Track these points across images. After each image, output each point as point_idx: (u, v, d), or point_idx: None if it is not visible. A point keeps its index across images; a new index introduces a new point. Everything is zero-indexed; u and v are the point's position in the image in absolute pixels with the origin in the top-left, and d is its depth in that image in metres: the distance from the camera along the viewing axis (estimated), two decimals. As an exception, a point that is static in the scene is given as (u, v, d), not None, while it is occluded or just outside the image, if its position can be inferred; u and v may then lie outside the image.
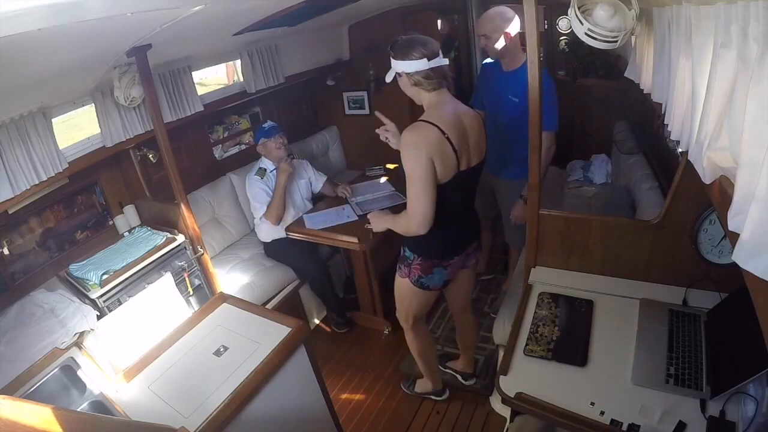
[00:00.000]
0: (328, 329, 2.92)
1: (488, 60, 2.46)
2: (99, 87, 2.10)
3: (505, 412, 2.08)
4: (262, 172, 2.76)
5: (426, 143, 1.50)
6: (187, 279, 2.32)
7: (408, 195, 1.56)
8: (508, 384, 1.34)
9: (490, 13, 2.20)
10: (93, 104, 2.14)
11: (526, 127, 2.26)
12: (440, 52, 1.57)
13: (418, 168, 1.50)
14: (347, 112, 3.87)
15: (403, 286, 1.89)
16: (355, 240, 2.46)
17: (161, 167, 2.42)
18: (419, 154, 1.49)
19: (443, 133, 1.52)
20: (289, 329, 1.64)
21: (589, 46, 1.49)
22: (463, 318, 2.18)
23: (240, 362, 1.54)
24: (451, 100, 1.62)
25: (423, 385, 2.33)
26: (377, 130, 1.79)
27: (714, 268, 1.48)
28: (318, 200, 3.04)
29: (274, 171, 2.78)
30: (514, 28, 2.16)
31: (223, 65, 3.53)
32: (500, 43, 2.19)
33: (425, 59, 1.53)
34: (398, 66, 1.57)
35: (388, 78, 1.67)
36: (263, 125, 2.81)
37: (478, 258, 1.97)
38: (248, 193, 2.80)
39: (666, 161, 2.30)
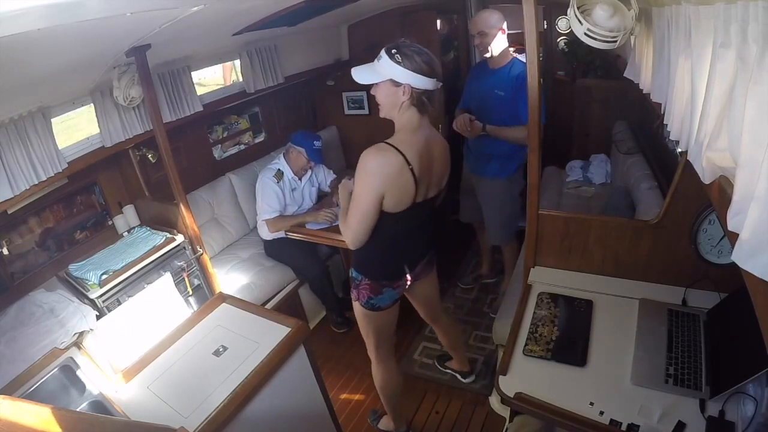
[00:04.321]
0: (327, 329, 2.92)
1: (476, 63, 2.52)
2: (98, 87, 2.10)
3: (504, 412, 2.08)
4: (279, 174, 2.75)
5: (383, 173, 1.42)
6: (186, 279, 2.32)
7: (349, 212, 1.54)
8: (508, 384, 1.34)
9: (486, 12, 2.28)
10: (92, 104, 2.14)
11: (509, 121, 2.31)
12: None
13: (366, 198, 1.45)
14: (347, 112, 3.87)
15: (357, 311, 1.77)
16: (354, 240, 2.46)
17: (160, 167, 2.42)
18: (372, 184, 1.43)
19: (408, 163, 1.43)
20: (289, 329, 1.64)
21: (589, 46, 1.49)
22: (438, 325, 2.14)
23: (239, 362, 1.54)
24: (428, 125, 1.54)
25: (386, 423, 2.20)
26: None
27: (713, 268, 1.48)
28: (318, 200, 3.04)
29: (293, 178, 2.80)
30: (505, 26, 2.26)
31: (220, 66, 3.54)
32: (497, 39, 2.23)
33: (435, 80, 1.43)
34: (401, 75, 1.40)
35: (366, 80, 1.48)
36: (314, 141, 2.75)
37: (432, 266, 1.89)
38: (258, 191, 2.78)
39: (665, 161, 2.31)
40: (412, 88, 1.41)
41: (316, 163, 2.85)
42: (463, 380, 2.36)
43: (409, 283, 1.74)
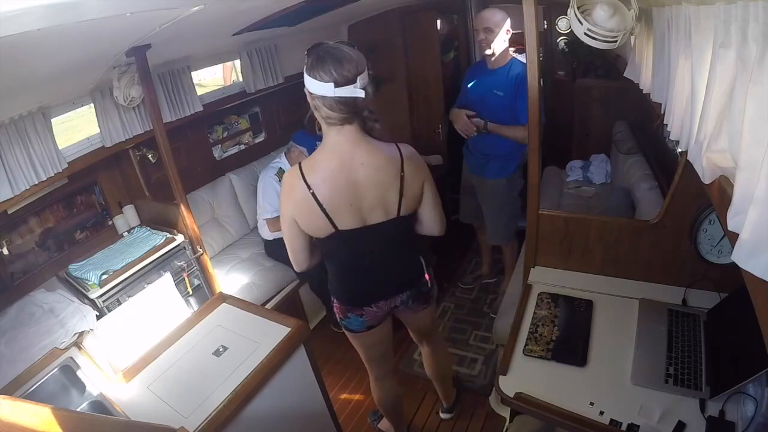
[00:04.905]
0: (327, 329, 2.92)
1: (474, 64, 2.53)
2: (98, 87, 2.10)
3: (504, 412, 2.08)
4: (281, 173, 2.75)
5: (287, 196, 1.35)
6: (186, 279, 2.32)
7: None
8: (508, 384, 1.34)
9: (494, 9, 2.28)
10: (92, 104, 2.14)
11: (508, 121, 2.31)
12: (360, 80, 1.20)
13: (282, 221, 1.42)
14: (347, 112, 3.86)
15: None
16: (354, 240, 2.46)
17: (161, 167, 2.42)
18: (282, 209, 1.40)
19: (308, 187, 1.29)
20: (289, 329, 1.64)
21: (589, 46, 1.49)
22: (423, 350, 1.99)
23: (239, 362, 1.54)
24: (353, 143, 1.28)
25: (386, 425, 2.17)
26: None
27: (713, 267, 1.48)
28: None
29: None
30: (509, 26, 2.26)
31: (220, 66, 3.53)
32: (501, 37, 2.23)
33: (331, 84, 1.17)
34: (305, 80, 1.23)
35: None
36: (317, 141, 2.70)
37: (420, 305, 1.66)
38: (260, 190, 2.77)
39: (665, 161, 2.31)
40: (309, 92, 1.24)
41: None
42: (440, 414, 2.23)
43: (379, 313, 1.61)
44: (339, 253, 1.49)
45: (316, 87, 1.20)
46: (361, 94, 1.21)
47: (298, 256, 1.50)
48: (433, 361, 1.99)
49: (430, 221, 1.50)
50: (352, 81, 1.19)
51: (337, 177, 1.30)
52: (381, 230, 1.40)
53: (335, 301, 1.63)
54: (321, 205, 1.31)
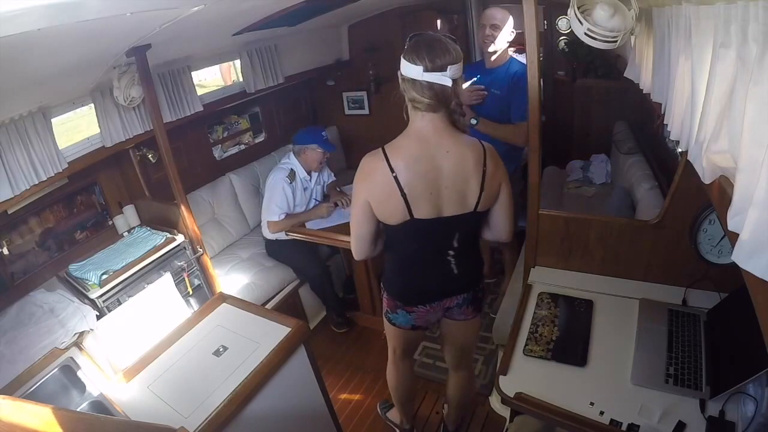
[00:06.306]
0: (327, 329, 2.92)
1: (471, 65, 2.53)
2: (98, 87, 2.10)
3: (504, 412, 2.08)
4: (292, 174, 2.71)
5: (366, 177, 1.34)
6: (186, 279, 2.32)
7: None
8: (508, 384, 1.34)
9: (498, 8, 2.28)
10: (92, 104, 2.14)
11: (505, 120, 2.31)
12: (451, 69, 1.22)
13: (354, 204, 1.41)
14: (347, 112, 3.87)
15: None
16: (354, 240, 2.45)
17: (161, 167, 2.42)
18: (357, 191, 1.37)
19: (391, 170, 1.29)
20: (289, 329, 1.64)
21: (589, 46, 1.49)
22: (454, 375, 1.91)
23: (239, 362, 1.54)
24: (437, 131, 1.30)
25: (394, 414, 2.20)
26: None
27: (713, 267, 1.48)
28: (320, 201, 3.04)
29: (304, 178, 2.78)
30: (512, 27, 2.26)
31: (219, 67, 3.55)
32: (505, 36, 2.25)
33: (421, 68, 1.22)
34: (401, 63, 1.28)
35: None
36: (321, 132, 2.73)
37: (473, 312, 1.62)
38: (268, 189, 2.72)
39: (665, 161, 2.31)
40: (401, 75, 1.28)
41: (331, 152, 2.83)
42: None
43: (431, 314, 1.58)
44: (406, 243, 1.46)
45: (407, 69, 1.25)
46: (448, 82, 1.23)
47: (362, 244, 1.47)
48: (460, 388, 1.94)
49: (500, 224, 1.47)
50: (442, 69, 1.22)
51: (421, 162, 1.30)
52: (455, 223, 1.38)
53: (386, 294, 1.61)
54: (402, 190, 1.30)
